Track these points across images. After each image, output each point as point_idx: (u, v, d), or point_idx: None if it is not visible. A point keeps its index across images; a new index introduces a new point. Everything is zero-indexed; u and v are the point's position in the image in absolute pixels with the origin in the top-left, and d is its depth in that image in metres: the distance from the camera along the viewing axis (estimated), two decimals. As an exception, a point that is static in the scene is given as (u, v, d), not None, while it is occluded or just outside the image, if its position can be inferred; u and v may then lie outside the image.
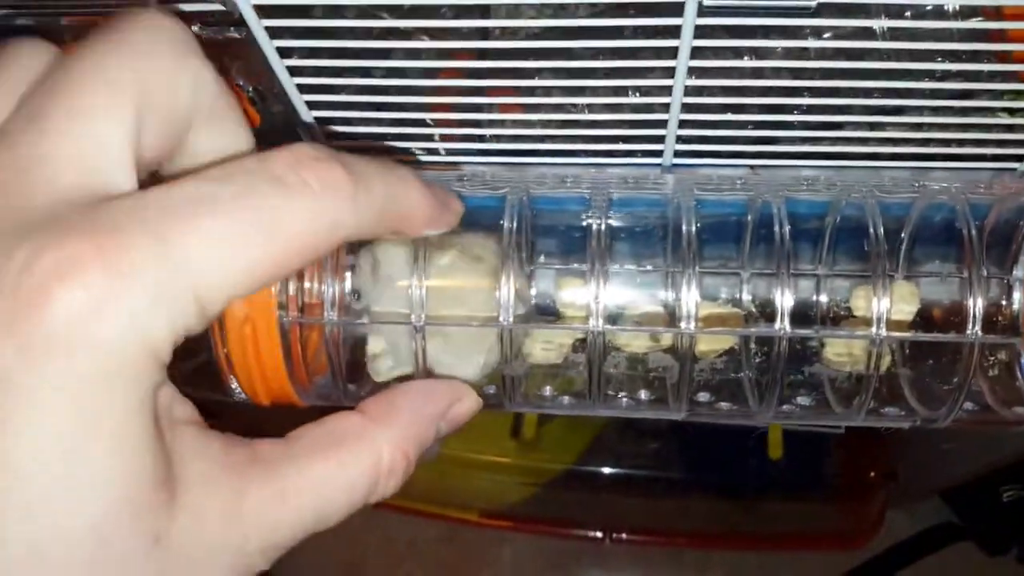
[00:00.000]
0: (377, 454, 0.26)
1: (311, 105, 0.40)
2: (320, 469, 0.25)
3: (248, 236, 0.21)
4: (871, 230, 0.33)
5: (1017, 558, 1.21)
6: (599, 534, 1.23)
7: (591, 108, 0.41)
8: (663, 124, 0.40)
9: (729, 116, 0.39)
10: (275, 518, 0.24)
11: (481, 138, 0.44)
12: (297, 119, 0.41)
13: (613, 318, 0.35)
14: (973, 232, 0.32)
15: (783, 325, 0.32)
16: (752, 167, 0.43)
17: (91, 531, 0.20)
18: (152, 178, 0.25)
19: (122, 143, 0.22)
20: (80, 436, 0.20)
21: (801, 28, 0.36)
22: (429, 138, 0.44)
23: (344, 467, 0.25)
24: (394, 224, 0.26)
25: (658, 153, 0.43)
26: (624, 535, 1.22)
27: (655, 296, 0.36)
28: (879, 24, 0.35)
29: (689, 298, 0.32)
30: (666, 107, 0.39)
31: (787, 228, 0.33)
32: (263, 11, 0.35)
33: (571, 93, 0.40)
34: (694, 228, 0.32)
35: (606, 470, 1.17)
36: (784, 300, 0.32)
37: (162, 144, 0.24)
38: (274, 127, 0.42)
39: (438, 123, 0.43)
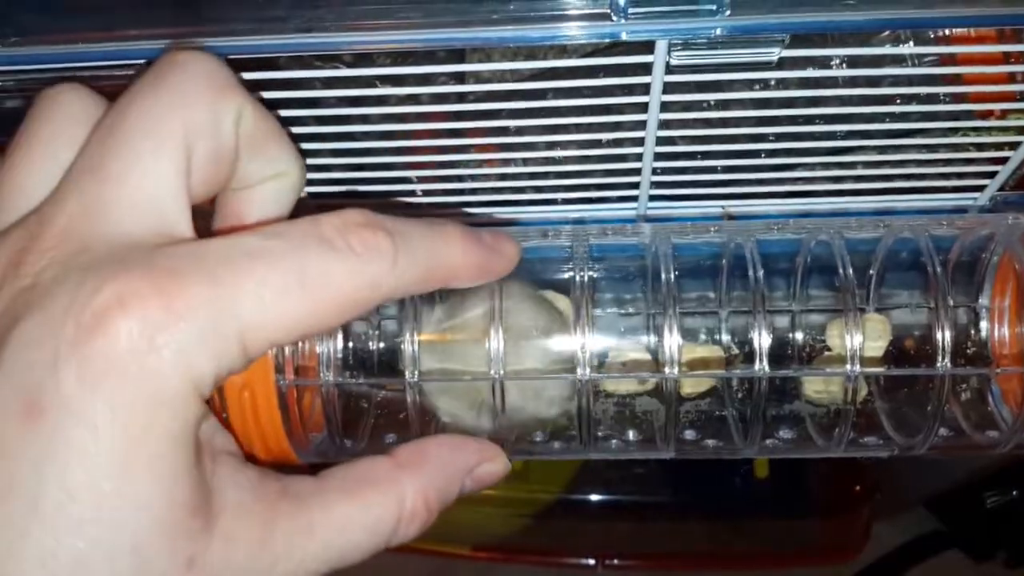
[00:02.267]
0: (401, 498, 0.27)
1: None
2: (346, 507, 0.26)
3: (293, 289, 0.23)
4: (840, 267, 0.35)
5: (1004, 563, 1.23)
6: (591, 561, 1.23)
7: (567, 158, 0.42)
8: (637, 172, 0.42)
9: (700, 162, 0.41)
10: (301, 550, 0.25)
11: (461, 190, 0.45)
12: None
13: (600, 365, 0.37)
14: (938, 268, 0.34)
15: (762, 366, 0.33)
16: (724, 207, 0.45)
17: (133, 549, 0.21)
18: (210, 204, 0.28)
19: (175, 185, 0.24)
20: (128, 458, 0.21)
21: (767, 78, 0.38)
22: (412, 193, 0.45)
23: (368, 508, 0.27)
24: (441, 279, 0.27)
25: (633, 198, 0.44)
26: (616, 561, 1.22)
27: (639, 341, 0.37)
28: (839, 73, 0.36)
29: (671, 342, 0.33)
30: (639, 156, 0.41)
31: (760, 269, 0.34)
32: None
33: (548, 144, 0.41)
34: (673, 274, 0.34)
35: (595, 497, 1.18)
36: (762, 341, 0.33)
37: (214, 178, 0.26)
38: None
39: (421, 179, 0.45)
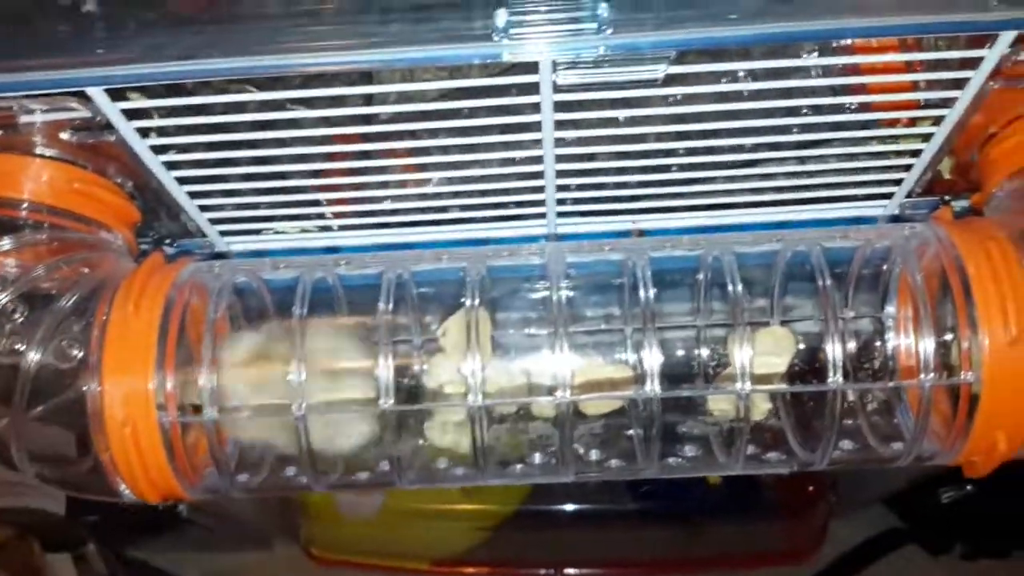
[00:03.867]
0: None
1: (194, 195, 0.41)
2: None
3: None
4: (729, 282, 0.34)
5: (961, 556, 1.23)
6: (550, 572, 1.23)
7: (472, 177, 0.41)
8: (541, 190, 0.41)
9: (602, 178, 0.41)
10: None
11: (370, 212, 0.44)
12: (180, 209, 0.41)
13: (495, 391, 0.36)
14: (827, 280, 0.34)
15: (653, 387, 0.32)
16: (634, 223, 0.45)
17: None
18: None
19: None
20: None
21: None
22: (321, 216, 0.45)
23: None
24: None
25: (541, 215, 0.44)
26: (574, 570, 1.22)
27: (538, 364, 0.36)
28: (734, 87, 0.36)
29: (563, 364, 0.32)
30: (540, 174, 0.40)
31: (651, 287, 0.34)
32: (131, 114, 0.35)
33: (450, 164, 0.41)
34: (566, 293, 0.33)
35: (554, 508, 1.18)
36: (654, 359, 0.33)
37: None
38: (158, 219, 0.42)
39: (330, 202, 0.44)
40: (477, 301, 0.34)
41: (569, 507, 1.18)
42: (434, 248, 0.45)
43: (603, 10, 0.32)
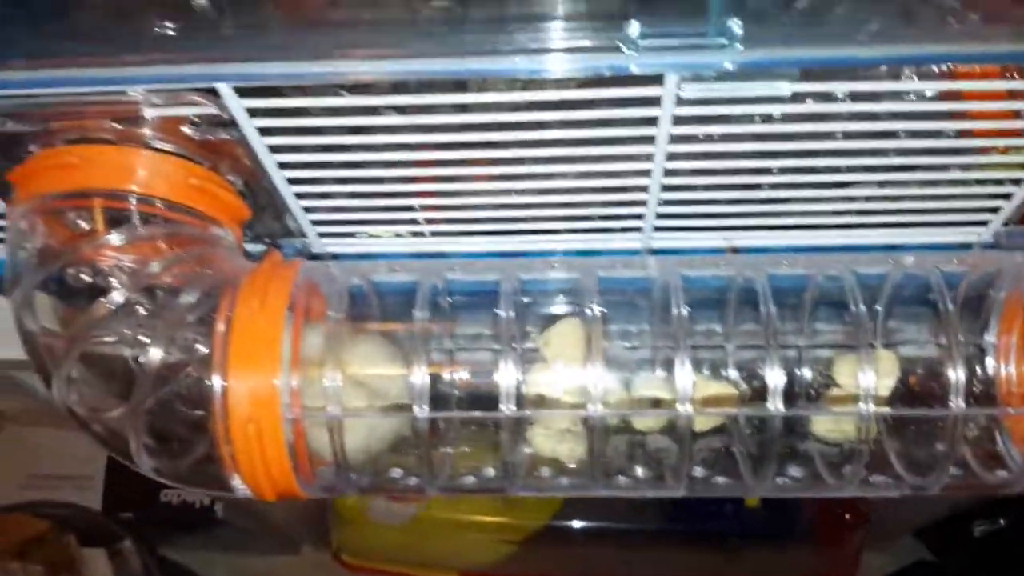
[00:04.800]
0: None
1: (300, 196, 0.41)
2: None
3: None
4: (852, 304, 0.34)
5: (991, 591, 1.22)
6: (581, 588, 1.22)
7: (572, 188, 0.42)
8: (643, 203, 0.42)
9: (707, 193, 0.41)
10: None
11: (464, 219, 0.44)
12: (285, 208, 0.42)
13: (612, 402, 0.36)
14: (950, 305, 0.34)
15: (776, 404, 0.33)
16: (728, 239, 0.45)
17: None
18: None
19: None
20: None
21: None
22: (414, 221, 0.45)
23: None
24: None
25: (638, 228, 0.44)
26: (604, 588, 1.21)
27: (651, 377, 0.36)
28: (850, 108, 0.36)
29: (685, 379, 0.32)
30: (645, 187, 0.40)
31: (773, 305, 0.34)
32: (255, 113, 0.36)
33: (551, 174, 0.41)
34: (684, 309, 0.33)
35: (583, 524, 1.17)
36: (776, 378, 0.33)
37: None
38: (262, 217, 0.43)
39: (424, 207, 0.44)
40: (596, 311, 0.34)
41: (599, 524, 1.18)
42: (526, 257, 0.45)
43: (734, 25, 0.33)
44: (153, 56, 0.34)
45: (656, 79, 0.34)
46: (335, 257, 0.46)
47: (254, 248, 0.45)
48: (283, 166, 0.39)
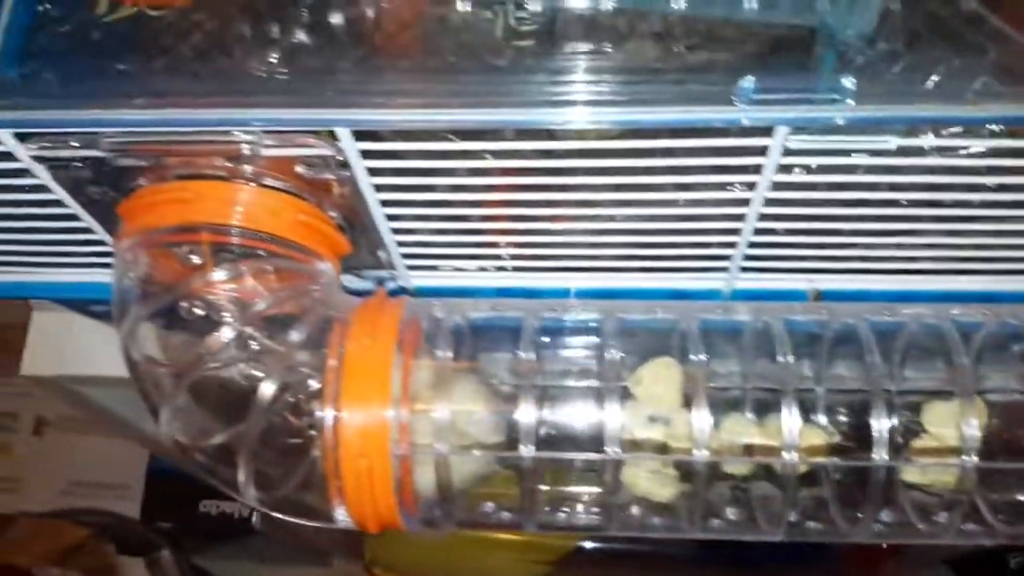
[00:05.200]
0: None
1: (396, 231, 0.42)
2: None
3: None
4: (954, 353, 0.35)
5: (1025, 624, 1.21)
6: (611, 611, 1.22)
7: (662, 229, 0.42)
8: (733, 245, 0.42)
9: (798, 237, 0.41)
10: None
11: (548, 256, 0.45)
12: (380, 242, 0.43)
13: (687, 445, 0.37)
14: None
15: (881, 454, 0.33)
16: (812, 282, 0.45)
17: None
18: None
19: None
20: None
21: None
22: (499, 256, 0.46)
23: None
24: None
25: (724, 269, 0.44)
26: (635, 612, 1.21)
27: (742, 420, 0.37)
28: (950, 162, 0.37)
29: (792, 425, 0.33)
30: (738, 230, 0.41)
31: (877, 353, 0.34)
32: (367, 154, 0.36)
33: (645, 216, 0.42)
34: (791, 356, 0.34)
35: (616, 546, 1.17)
36: (881, 427, 0.33)
37: None
38: (357, 251, 0.44)
39: (510, 244, 0.45)
40: (701, 356, 0.35)
41: (632, 547, 1.18)
42: (607, 292, 0.46)
43: (846, 82, 0.33)
44: (274, 100, 0.35)
45: (765, 131, 0.35)
46: (424, 292, 0.47)
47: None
48: (385, 203, 0.40)
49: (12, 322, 1.14)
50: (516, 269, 0.47)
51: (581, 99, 0.34)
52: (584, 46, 0.44)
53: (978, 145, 0.37)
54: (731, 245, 0.42)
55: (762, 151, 0.36)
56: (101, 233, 0.43)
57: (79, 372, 0.65)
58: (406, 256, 0.45)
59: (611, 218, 0.42)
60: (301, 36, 0.43)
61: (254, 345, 0.36)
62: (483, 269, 0.47)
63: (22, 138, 0.37)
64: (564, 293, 0.46)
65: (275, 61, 0.43)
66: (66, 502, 1.22)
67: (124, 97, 0.35)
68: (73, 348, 0.65)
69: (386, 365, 0.35)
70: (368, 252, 0.44)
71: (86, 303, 0.54)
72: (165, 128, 0.36)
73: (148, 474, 1.20)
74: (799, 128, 0.35)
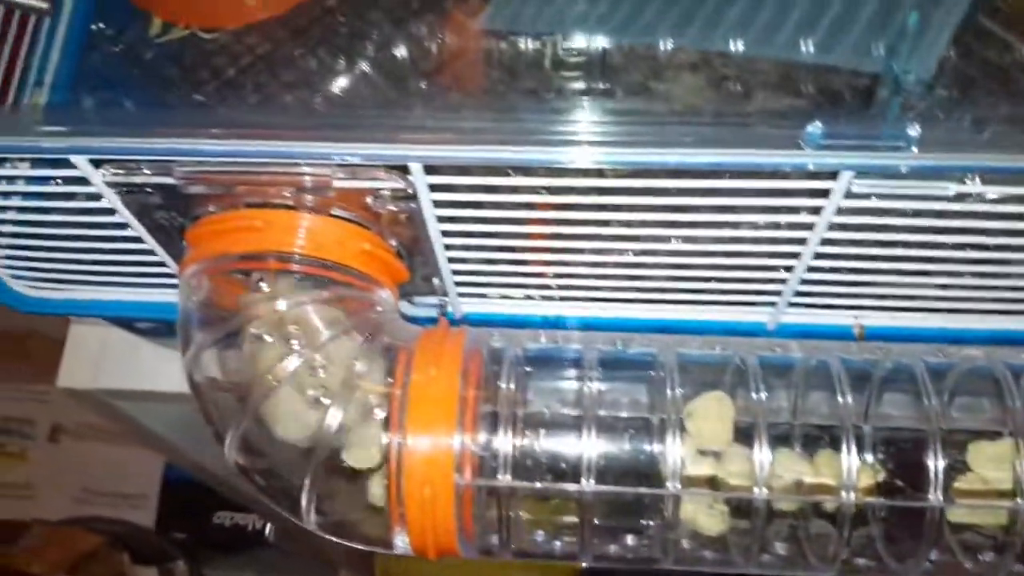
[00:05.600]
0: None
1: (452, 260, 0.43)
2: None
3: None
4: (1009, 397, 0.35)
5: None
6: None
7: (713, 264, 0.43)
8: (783, 281, 0.43)
9: (850, 276, 0.42)
10: None
11: (595, 287, 0.46)
12: (436, 271, 0.43)
13: (740, 480, 0.37)
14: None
15: (936, 495, 0.34)
16: (856, 318, 0.46)
17: None
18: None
19: None
20: None
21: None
22: (547, 286, 0.46)
23: None
24: None
25: (771, 304, 0.45)
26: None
27: (791, 456, 0.38)
28: (1005, 208, 0.38)
29: (851, 464, 0.34)
30: (791, 268, 0.42)
31: (934, 396, 0.35)
32: (435, 188, 0.37)
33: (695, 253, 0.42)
34: (849, 396, 0.35)
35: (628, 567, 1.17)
36: (938, 468, 0.34)
37: None
38: (412, 278, 0.44)
39: (557, 276, 0.46)
40: (762, 395, 0.36)
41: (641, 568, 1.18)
42: (652, 324, 0.47)
43: (912, 130, 0.34)
44: (350, 134, 0.35)
45: (829, 174, 0.35)
46: (474, 319, 0.47)
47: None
48: (445, 233, 0.41)
49: (34, 330, 1.14)
50: (563, 299, 0.47)
51: (644, 140, 0.35)
52: (640, 83, 0.45)
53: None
54: (782, 281, 0.43)
55: (824, 193, 0.37)
56: (162, 255, 0.43)
57: (115, 386, 0.66)
58: (459, 284, 0.45)
59: (662, 252, 0.43)
60: (364, 67, 0.44)
61: (320, 372, 0.37)
62: (530, 297, 0.48)
63: (96, 163, 0.37)
64: (608, 322, 0.47)
65: (340, 92, 0.44)
66: (80, 510, 1.23)
67: (201, 127, 0.36)
68: (110, 362, 0.65)
69: (451, 396, 0.36)
70: (423, 279, 0.45)
71: (138, 321, 0.55)
72: (241, 159, 0.36)
73: (163, 484, 1.21)
74: (862, 172, 0.35)
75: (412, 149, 0.35)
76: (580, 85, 0.48)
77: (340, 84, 0.42)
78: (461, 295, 0.46)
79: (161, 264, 0.45)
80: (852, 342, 0.41)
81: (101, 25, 0.58)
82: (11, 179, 0.42)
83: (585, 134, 0.35)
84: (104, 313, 0.50)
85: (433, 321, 0.46)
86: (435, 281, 0.45)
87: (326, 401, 0.36)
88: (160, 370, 0.64)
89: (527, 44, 0.48)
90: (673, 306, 0.47)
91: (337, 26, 0.49)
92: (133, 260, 0.45)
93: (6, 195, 0.43)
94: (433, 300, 0.47)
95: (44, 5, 0.50)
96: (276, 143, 0.35)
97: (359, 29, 0.49)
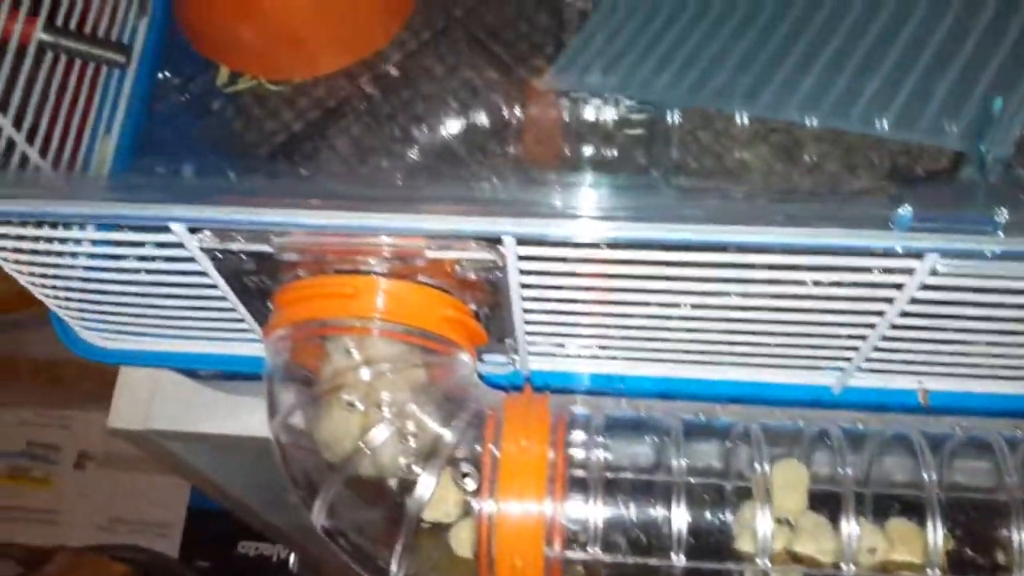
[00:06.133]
0: None
1: (528, 322, 0.43)
2: None
3: None
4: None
5: None
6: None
7: (788, 332, 0.44)
8: (856, 349, 0.44)
9: (923, 346, 0.43)
10: None
11: (667, 350, 0.47)
12: (511, 331, 0.44)
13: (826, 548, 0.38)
14: None
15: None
16: (921, 383, 0.47)
17: None
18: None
19: None
20: None
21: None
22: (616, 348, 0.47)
23: None
24: None
25: (839, 369, 0.46)
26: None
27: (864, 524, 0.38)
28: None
29: (937, 537, 0.34)
30: (865, 337, 0.42)
31: (1010, 468, 0.36)
32: (523, 258, 0.38)
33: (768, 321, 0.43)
34: (935, 473, 0.35)
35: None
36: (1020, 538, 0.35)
37: None
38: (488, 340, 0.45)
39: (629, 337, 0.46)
40: (848, 470, 0.36)
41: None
42: (717, 386, 0.47)
43: (1000, 215, 0.35)
44: (448, 208, 0.36)
45: (915, 255, 0.36)
46: (541, 377, 0.48)
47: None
48: (526, 298, 0.41)
49: (62, 358, 1.15)
50: (633, 359, 0.48)
51: (738, 218, 0.36)
52: (711, 156, 0.46)
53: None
54: (854, 349, 0.44)
55: (907, 271, 0.37)
56: (243, 314, 0.44)
57: (166, 428, 0.67)
58: (531, 343, 0.46)
59: (737, 320, 0.43)
60: (444, 132, 0.45)
61: (410, 440, 0.37)
62: (597, 357, 0.48)
63: (193, 229, 0.38)
64: (674, 381, 0.48)
65: (416, 157, 0.44)
66: (105, 538, 1.23)
67: (299, 197, 0.37)
68: (160, 404, 0.66)
69: (541, 466, 0.36)
70: (497, 339, 0.45)
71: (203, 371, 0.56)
72: (340, 231, 0.37)
73: (188, 513, 1.21)
74: (948, 254, 0.36)
75: (507, 224, 0.36)
76: (646, 153, 0.49)
77: (418, 146, 0.43)
78: (531, 354, 0.47)
79: (238, 319, 0.45)
80: (927, 418, 0.42)
81: (168, 74, 0.59)
82: (94, 241, 0.42)
83: (667, 210, 0.36)
84: (174, 364, 0.51)
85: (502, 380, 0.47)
86: (508, 341, 0.45)
87: (417, 469, 0.37)
88: (208, 412, 0.65)
89: (598, 110, 0.49)
90: (740, 369, 0.47)
91: (415, 85, 0.50)
92: (210, 316, 0.45)
93: (80, 251, 0.44)
94: (502, 358, 0.48)
95: (121, 58, 0.51)
96: (377, 216, 0.36)
97: (433, 92, 0.51)
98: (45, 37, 0.47)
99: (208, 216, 0.36)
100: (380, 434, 0.37)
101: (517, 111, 0.45)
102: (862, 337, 0.43)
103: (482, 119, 0.45)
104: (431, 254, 0.38)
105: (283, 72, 0.57)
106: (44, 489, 1.25)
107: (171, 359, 0.49)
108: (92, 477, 1.26)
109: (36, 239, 0.41)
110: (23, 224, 0.40)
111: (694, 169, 0.46)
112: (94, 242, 0.42)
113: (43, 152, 0.48)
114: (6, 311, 1.06)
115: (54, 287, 0.44)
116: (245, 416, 0.64)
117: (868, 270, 0.38)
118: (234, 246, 0.38)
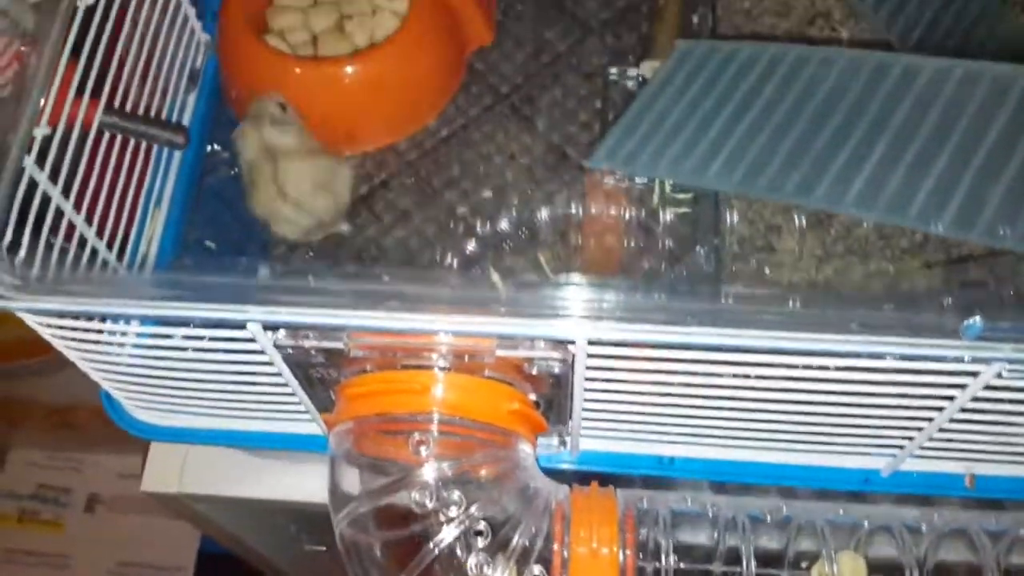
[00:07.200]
0: None
1: (587, 410, 0.44)
2: None
3: None
4: None
5: None
6: None
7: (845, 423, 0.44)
8: (911, 439, 0.44)
9: (976, 436, 0.43)
10: None
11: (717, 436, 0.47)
12: (568, 419, 0.44)
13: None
14: None
15: None
16: (968, 468, 0.47)
17: None
18: None
19: None
20: None
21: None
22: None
23: None
24: None
25: (892, 456, 0.46)
26: None
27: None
28: None
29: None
30: (922, 428, 0.43)
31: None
32: (591, 355, 0.38)
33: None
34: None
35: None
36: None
37: None
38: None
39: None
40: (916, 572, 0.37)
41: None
42: (766, 468, 0.48)
43: (1064, 325, 0.35)
44: (519, 312, 0.36)
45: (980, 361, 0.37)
46: (589, 456, 0.48)
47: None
48: (588, 390, 0.42)
49: (77, 403, 1.14)
50: (673, 443, 0.48)
51: (812, 324, 0.36)
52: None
53: None
54: (910, 438, 0.44)
55: (972, 373, 0.38)
56: (305, 402, 0.44)
57: (198, 491, 0.67)
58: (586, 428, 0.46)
59: (793, 413, 0.44)
60: (501, 224, 0.45)
61: (479, 540, 0.37)
62: (650, 440, 0.49)
63: (267, 327, 0.38)
64: (722, 464, 0.48)
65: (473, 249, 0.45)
66: (115, 582, 1.22)
67: (372, 299, 0.37)
68: (193, 469, 0.66)
69: (612, 567, 0.36)
70: (554, 425, 0.46)
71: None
72: (414, 332, 0.37)
73: (198, 557, 1.20)
74: (1014, 361, 0.37)
75: (581, 327, 0.36)
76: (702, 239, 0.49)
77: (489, 244, 0.44)
78: (584, 436, 0.47)
79: (296, 403, 0.45)
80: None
81: (217, 147, 0.59)
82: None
83: (735, 315, 0.36)
84: (226, 442, 0.51)
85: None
86: (562, 426, 0.46)
87: (488, 571, 0.37)
88: (239, 476, 0.65)
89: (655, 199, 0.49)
90: (792, 454, 0.48)
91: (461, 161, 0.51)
92: (269, 399, 0.45)
93: (144, 344, 0.44)
94: (554, 440, 0.48)
95: (180, 139, 0.52)
96: (455, 319, 0.36)
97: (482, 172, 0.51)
98: (107, 119, 0.47)
99: (286, 319, 0.37)
100: (448, 535, 0.37)
101: (574, 205, 0.46)
102: (919, 428, 0.43)
103: (541, 211, 0.45)
104: (500, 352, 0.38)
105: (331, 150, 0.57)
106: (55, 532, 1.24)
107: (222, 437, 0.50)
108: (103, 520, 1.25)
109: (100, 331, 0.41)
110: (89, 319, 0.40)
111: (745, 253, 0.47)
112: (158, 335, 0.42)
113: (100, 231, 0.49)
114: (18, 357, 1.06)
115: (115, 372, 0.44)
116: (272, 480, 0.65)
117: (933, 372, 0.38)
118: (306, 343, 0.38)
